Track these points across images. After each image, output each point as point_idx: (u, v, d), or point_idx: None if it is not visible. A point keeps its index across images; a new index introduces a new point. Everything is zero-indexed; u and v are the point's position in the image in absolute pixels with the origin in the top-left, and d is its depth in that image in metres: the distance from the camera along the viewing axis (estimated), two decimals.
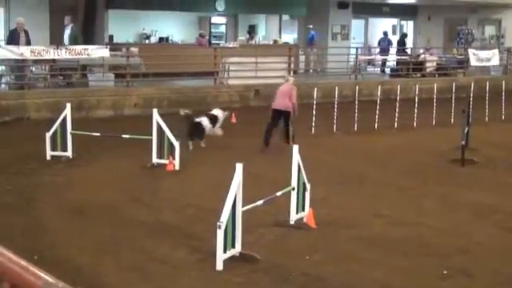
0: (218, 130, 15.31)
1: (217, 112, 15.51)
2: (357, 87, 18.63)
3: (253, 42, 30.61)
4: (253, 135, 16.80)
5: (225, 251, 7.53)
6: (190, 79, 22.64)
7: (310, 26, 29.79)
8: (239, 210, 7.76)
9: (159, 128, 12.80)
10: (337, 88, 17.94)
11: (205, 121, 15.04)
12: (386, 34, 31.63)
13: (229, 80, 22.94)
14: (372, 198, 11.09)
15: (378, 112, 18.17)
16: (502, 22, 33.17)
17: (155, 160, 12.93)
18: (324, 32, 31.50)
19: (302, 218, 9.35)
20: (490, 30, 34.13)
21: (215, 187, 11.13)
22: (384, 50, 30.64)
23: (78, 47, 19.65)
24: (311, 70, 28.91)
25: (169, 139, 12.75)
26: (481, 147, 15.46)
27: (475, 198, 11.26)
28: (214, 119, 15.23)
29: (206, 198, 10.70)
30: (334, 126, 17.50)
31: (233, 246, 7.72)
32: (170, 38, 29.64)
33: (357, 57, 27.04)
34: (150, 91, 20.79)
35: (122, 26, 27.52)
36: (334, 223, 9.54)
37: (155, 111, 12.92)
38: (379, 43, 31.78)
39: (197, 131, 14.85)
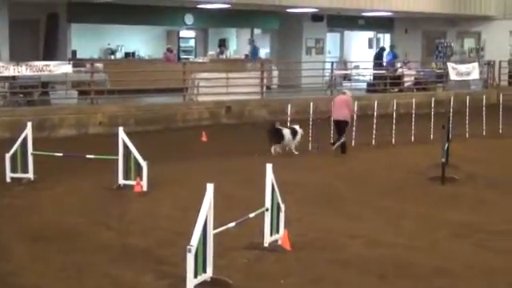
0: (293, 146, 17.14)
1: (297, 127, 17.25)
2: (332, 103, 18.70)
3: (223, 56, 30.71)
4: (224, 154, 16.84)
5: (195, 276, 7.51)
6: (158, 96, 22.64)
7: (252, 39, 29.91)
8: (210, 232, 7.75)
9: (125, 147, 12.77)
10: (311, 104, 18.03)
11: (286, 132, 17.01)
12: (391, 47, 32.04)
13: (199, 96, 22.99)
14: (348, 218, 11.15)
15: (354, 128, 18.29)
16: (482, 34, 33.60)
17: (122, 181, 12.88)
18: (298, 46, 31.70)
19: (276, 241, 9.36)
20: (469, 43, 34.58)
21: (185, 209, 11.13)
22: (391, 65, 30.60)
23: (40, 63, 19.58)
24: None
25: (136, 159, 12.72)
26: (461, 164, 15.61)
27: (456, 216, 11.36)
28: (294, 132, 17.12)
29: (175, 220, 10.68)
30: (309, 144, 17.57)
31: (204, 270, 7.71)
32: (136, 53, 29.65)
33: (332, 71, 27.23)
34: (115, 109, 20.74)
35: (86, 41, 27.48)
36: (309, 245, 9.57)
37: (121, 130, 12.88)
38: (377, 57, 31.68)
39: (276, 136, 16.90)
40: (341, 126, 17.21)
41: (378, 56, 31.93)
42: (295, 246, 9.36)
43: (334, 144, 17.30)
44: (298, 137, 17.24)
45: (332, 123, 17.49)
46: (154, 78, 22.57)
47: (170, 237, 9.79)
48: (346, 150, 17.24)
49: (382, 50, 32.79)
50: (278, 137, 16.96)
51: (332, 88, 26.55)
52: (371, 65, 31.34)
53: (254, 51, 30.42)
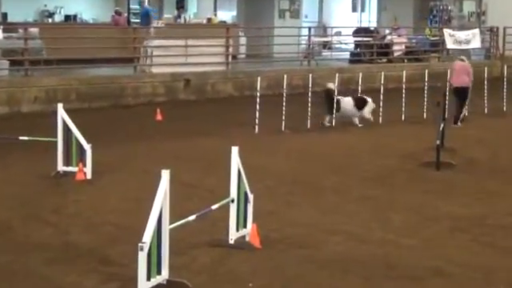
0: (367, 114, 18.55)
1: (368, 98, 18.67)
2: (310, 76, 18.77)
3: (182, 20, 30.58)
4: (183, 135, 16.81)
5: (148, 278, 7.50)
6: (105, 67, 22.50)
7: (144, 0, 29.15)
8: (166, 227, 7.74)
9: (66, 128, 12.69)
10: (285, 77, 18.05)
11: (346, 101, 18.32)
12: None
13: (152, 68, 22.88)
14: (328, 211, 11.20)
15: (335, 106, 18.34)
16: None
17: (61, 168, 12.82)
18: (269, 9, 31.65)
19: (243, 237, 9.38)
20: (468, 7, 34.81)
21: (136, 200, 11.10)
22: None
23: None
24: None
25: (78, 142, 12.65)
26: (459, 147, 15.75)
27: (452, 208, 11.46)
28: (362, 103, 18.51)
29: (124, 213, 10.65)
30: (283, 124, 17.60)
31: (158, 272, 7.71)
32: (78, 16, 29.43)
33: (309, 39, 27.27)
34: (53, 82, 20.59)
35: (19, 2, 27.19)
36: (282, 242, 9.59)
37: (60, 107, 12.80)
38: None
39: (331, 106, 18.06)
40: (461, 94, 18.88)
41: None
42: (266, 242, 9.37)
43: (456, 121, 18.75)
44: (367, 109, 18.44)
45: (451, 91, 18.73)
46: (100, 45, 22.41)
47: (118, 233, 9.76)
48: (459, 120, 18.92)
49: None
50: (333, 107, 18.09)
51: (309, 58, 26.60)
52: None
53: (145, 14, 27.58)
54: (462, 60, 19.62)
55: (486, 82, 21.12)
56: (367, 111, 18.70)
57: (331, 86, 18.48)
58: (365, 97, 18.78)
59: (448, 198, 12.09)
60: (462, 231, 10.30)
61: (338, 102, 18.30)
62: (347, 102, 18.55)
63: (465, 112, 19.14)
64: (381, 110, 19.00)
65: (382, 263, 8.87)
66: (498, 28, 30.83)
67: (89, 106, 20.35)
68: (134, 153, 14.84)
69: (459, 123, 18.86)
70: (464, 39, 28.61)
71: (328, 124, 18.33)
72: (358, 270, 8.62)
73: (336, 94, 18.24)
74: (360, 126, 18.47)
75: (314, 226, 10.36)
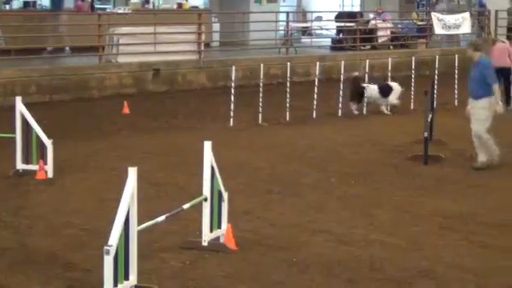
0: (394, 101, 19.49)
1: (393, 84, 19.61)
2: (288, 64, 18.80)
3: (150, 6, 30.53)
4: (152, 130, 16.79)
5: (115, 284, 7.49)
6: (67, 57, 22.42)
7: None
8: (134, 229, 7.73)
9: (25, 123, 12.64)
10: (262, 66, 18.06)
11: (371, 89, 19.23)
12: None
13: (119, 57, 22.81)
14: (309, 210, 11.22)
15: (316, 96, 18.37)
16: None
17: (20, 166, 12.76)
18: None
19: (218, 238, 9.39)
20: None
21: (101, 200, 11.08)
22: None
23: None
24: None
25: (38, 138, 12.60)
26: (449, 139, 15.82)
27: (441, 205, 11.52)
28: (387, 90, 19.36)
29: (89, 214, 10.61)
30: (260, 116, 17.61)
31: (126, 277, 7.69)
32: (37, 3, 29.27)
33: (288, 24, 27.29)
34: (11, 73, 20.47)
35: None
36: (260, 243, 9.60)
37: (19, 100, 12.74)
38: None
39: (358, 95, 19.14)
40: (505, 74, 20.10)
41: None
42: (242, 244, 9.38)
43: (509, 102, 20.16)
44: (393, 96, 19.18)
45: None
46: (62, 33, 22.31)
47: (82, 236, 9.73)
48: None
49: None
50: (359, 96, 19.20)
51: (288, 45, 26.62)
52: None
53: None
54: (503, 42, 21.49)
55: None
56: (393, 98, 19.42)
57: (357, 74, 19.93)
58: (390, 83, 19.62)
59: (436, 194, 12.15)
60: (451, 230, 10.35)
61: (364, 90, 19.25)
62: (372, 90, 19.27)
63: None
64: (365, 100, 19.05)
65: (366, 265, 8.90)
66: (489, 11, 30.95)
67: (50, 100, 20.26)
68: (99, 149, 14.79)
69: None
70: (453, 24, 28.68)
71: (356, 112, 19.20)
72: (342, 272, 8.65)
73: (365, 82, 19.53)
74: (388, 113, 19.47)
75: (293, 226, 10.38)
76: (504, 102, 18.94)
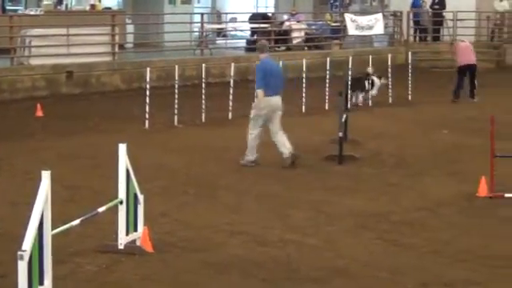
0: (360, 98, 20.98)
1: (375, 78, 21.32)
2: (203, 66, 18.80)
3: (63, 7, 30.21)
4: (66, 132, 16.61)
5: None
6: None
7: None
8: (48, 233, 7.64)
9: None
10: (177, 67, 18.03)
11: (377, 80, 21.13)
12: None
13: (31, 59, 22.53)
14: (225, 211, 11.24)
15: (231, 97, 18.40)
16: None
17: None
18: None
19: (134, 241, 9.34)
20: None
21: (13, 204, 10.93)
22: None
23: None
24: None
25: None
26: (363, 139, 16.00)
27: (356, 204, 11.65)
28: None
29: (1, 219, 10.43)
30: (176, 118, 17.57)
31: (40, 282, 7.60)
32: None
33: (202, 26, 27.27)
34: None
35: None
36: (176, 245, 9.59)
37: None
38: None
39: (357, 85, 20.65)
40: (470, 71, 21.63)
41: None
42: (159, 246, 9.36)
43: (473, 96, 21.86)
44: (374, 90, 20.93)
45: (458, 70, 21.81)
46: None
47: None
48: (475, 94, 21.86)
49: None
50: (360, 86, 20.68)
51: (203, 47, 26.61)
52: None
53: None
54: (463, 41, 23.25)
55: (389, 70, 21.50)
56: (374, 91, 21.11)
57: (369, 70, 21.05)
58: (373, 77, 21.12)
59: (351, 194, 12.29)
60: (366, 228, 10.49)
61: (373, 82, 20.90)
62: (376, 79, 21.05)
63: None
64: None
65: (283, 265, 8.96)
66: (401, 12, 31.34)
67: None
68: (11, 153, 14.57)
69: (475, 98, 21.83)
70: (366, 25, 28.99)
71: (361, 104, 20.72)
72: (259, 273, 8.69)
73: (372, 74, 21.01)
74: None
75: (210, 227, 10.39)
76: (468, 94, 21.84)
